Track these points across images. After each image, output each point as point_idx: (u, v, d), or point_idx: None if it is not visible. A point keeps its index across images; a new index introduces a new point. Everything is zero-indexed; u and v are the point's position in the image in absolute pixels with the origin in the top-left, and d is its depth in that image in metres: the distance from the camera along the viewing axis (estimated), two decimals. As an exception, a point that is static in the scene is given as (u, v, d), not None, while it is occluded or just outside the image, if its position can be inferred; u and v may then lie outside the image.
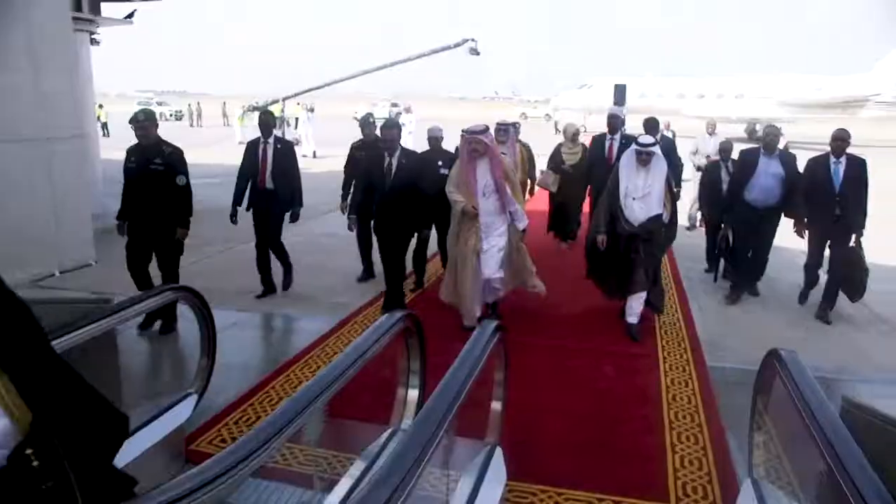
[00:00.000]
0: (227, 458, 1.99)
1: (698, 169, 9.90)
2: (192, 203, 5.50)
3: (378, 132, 6.22)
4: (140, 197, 5.31)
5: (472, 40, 26.87)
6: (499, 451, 3.06)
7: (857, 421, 2.28)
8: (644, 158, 5.20)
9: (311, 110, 25.57)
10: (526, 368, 4.48)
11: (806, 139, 33.94)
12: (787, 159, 6.36)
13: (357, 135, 7.36)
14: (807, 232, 6.19)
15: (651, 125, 8.19)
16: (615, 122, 7.32)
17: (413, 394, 3.28)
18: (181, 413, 3.63)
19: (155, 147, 5.32)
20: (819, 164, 6.11)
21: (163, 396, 3.70)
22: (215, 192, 13.60)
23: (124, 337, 5.02)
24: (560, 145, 8.64)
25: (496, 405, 3.15)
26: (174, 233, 5.40)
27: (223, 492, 1.95)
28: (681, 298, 6.61)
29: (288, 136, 24.80)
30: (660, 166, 5.25)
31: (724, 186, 7.06)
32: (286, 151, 6.34)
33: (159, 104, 47.72)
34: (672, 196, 5.41)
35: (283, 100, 26.63)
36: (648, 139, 5.34)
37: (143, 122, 5.25)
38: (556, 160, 8.46)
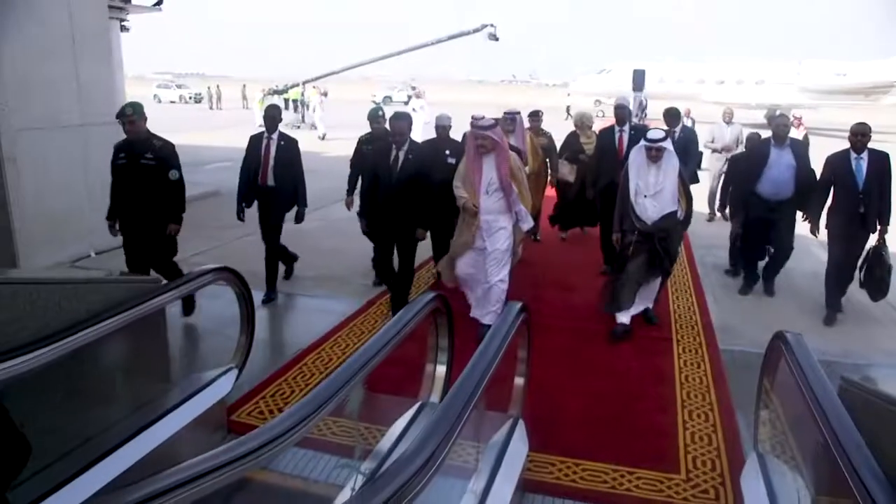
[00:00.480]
0: (277, 426, 2.21)
1: (718, 153, 10.01)
2: (185, 198, 5.36)
3: (387, 124, 5.86)
4: (132, 194, 5.14)
5: (492, 25, 26.98)
6: (521, 424, 3.30)
7: (854, 398, 2.47)
8: (654, 155, 4.97)
9: (325, 94, 25.75)
10: (547, 348, 4.71)
11: (827, 126, 33.80)
12: (799, 149, 6.23)
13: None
14: (823, 232, 5.93)
15: (672, 115, 8.07)
16: (622, 113, 6.95)
17: (441, 370, 3.52)
18: (223, 386, 3.90)
19: (145, 141, 5.14)
20: (840, 161, 5.76)
21: (205, 371, 3.95)
22: (227, 175, 13.92)
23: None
24: (572, 133, 8.44)
25: (519, 381, 3.38)
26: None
27: (266, 459, 2.19)
28: (695, 285, 6.78)
29: (307, 120, 25.19)
30: (671, 162, 5.01)
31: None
32: (290, 148, 6.05)
33: (178, 87, 48.05)
34: (687, 191, 5.21)
35: (303, 83, 26.94)
36: (658, 133, 5.06)
37: (132, 115, 5.02)
38: (571, 149, 8.26)
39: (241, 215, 6.20)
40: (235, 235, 8.20)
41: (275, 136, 5.98)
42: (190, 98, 45.88)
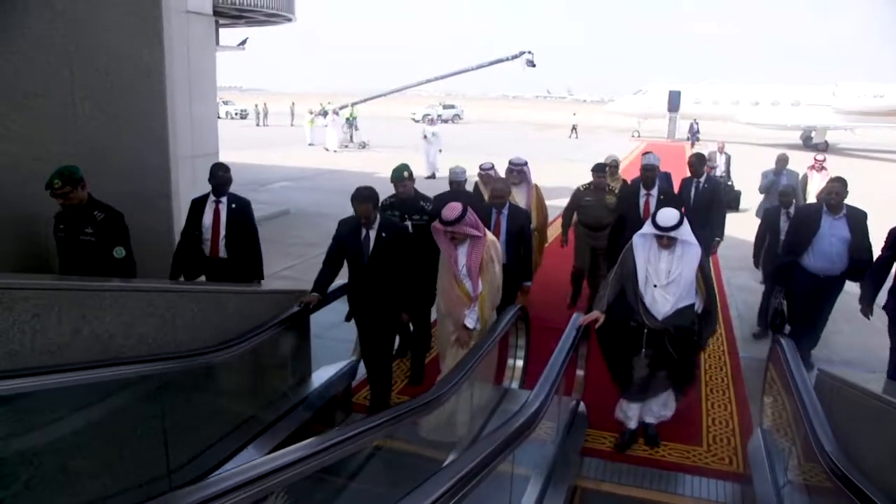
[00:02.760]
0: (408, 404, 3.21)
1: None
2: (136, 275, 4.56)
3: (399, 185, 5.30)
4: (74, 273, 4.38)
5: (529, 52, 28.25)
6: (582, 405, 4.39)
7: (825, 384, 3.50)
8: (665, 243, 4.00)
9: (336, 112, 27.93)
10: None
11: (861, 147, 34.15)
12: (856, 219, 5.38)
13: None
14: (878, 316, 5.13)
15: (697, 161, 6.86)
16: (651, 176, 6.01)
17: (519, 363, 4.65)
18: (348, 375, 5.04)
19: (84, 213, 4.31)
20: None
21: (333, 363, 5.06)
22: (294, 195, 15.26)
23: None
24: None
25: (580, 372, 4.48)
26: None
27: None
28: (722, 303, 7.75)
29: (355, 140, 26.54)
30: (691, 252, 4.01)
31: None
32: (242, 211, 5.24)
33: (225, 103, 49.92)
34: (707, 282, 4.15)
35: (353, 105, 28.41)
36: (669, 218, 3.94)
37: (60, 188, 4.15)
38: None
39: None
40: (314, 253, 9.40)
41: (224, 199, 5.15)
42: (236, 114, 47.52)
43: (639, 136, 38.42)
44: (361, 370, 5.09)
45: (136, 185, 5.15)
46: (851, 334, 6.56)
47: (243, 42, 13.54)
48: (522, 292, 5.35)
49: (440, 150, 19.72)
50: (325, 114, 28.39)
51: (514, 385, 4.63)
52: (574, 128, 39.61)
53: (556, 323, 4.89)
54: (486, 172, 6.71)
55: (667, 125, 38.49)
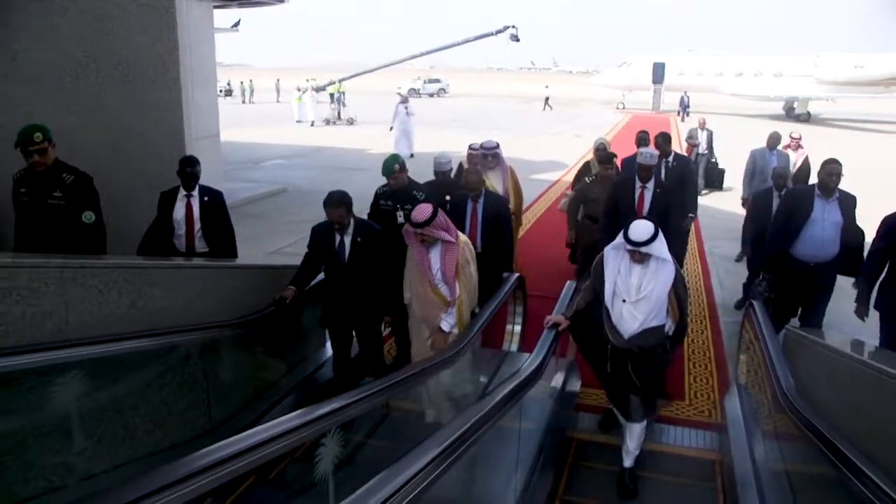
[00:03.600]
0: (419, 365, 3.67)
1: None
2: (105, 244, 4.41)
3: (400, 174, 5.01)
4: (37, 238, 4.10)
5: (513, 27, 28.41)
6: (575, 364, 4.84)
7: (790, 337, 4.00)
8: (638, 258, 3.67)
9: (316, 90, 28.43)
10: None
11: (843, 116, 34.75)
12: (848, 203, 5.08)
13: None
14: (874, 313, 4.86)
15: (664, 140, 6.82)
16: (647, 175, 5.65)
17: (517, 328, 5.08)
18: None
19: (52, 175, 4.10)
20: None
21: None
22: (288, 173, 15.51)
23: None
24: (588, 163, 7.54)
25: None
26: None
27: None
28: (704, 271, 8.25)
29: (344, 116, 26.75)
30: (665, 269, 3.68)
31: None
32: (216, 204, 5.01)
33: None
34: (681, 304, 3.80)
35: (339, 81, 28.51)
36: (643, 232, 3.59)
37: (42, 142, 3.98)
38: (581, 181, 7.21)
39: None
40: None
41: (195, 193, 4.90)
42: (220, 91, 46.84)
43: (624, 108, 38.80)
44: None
45: (154, 172, 5.44)
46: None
47: (236, 24, 13.73)
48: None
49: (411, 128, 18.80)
50: (316, 89, 28.50)
51: (514, 348, 5.07)
52: (547, 100, 39.92)
53: (550, 292, 5.30)
54: (490, 151, 6.43)
55: (651, 97, 38.88)
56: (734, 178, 11.17)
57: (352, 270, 4.38)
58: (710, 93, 37.38)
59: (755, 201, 6.65)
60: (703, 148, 12.30)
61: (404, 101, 18.61)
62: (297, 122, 27.61)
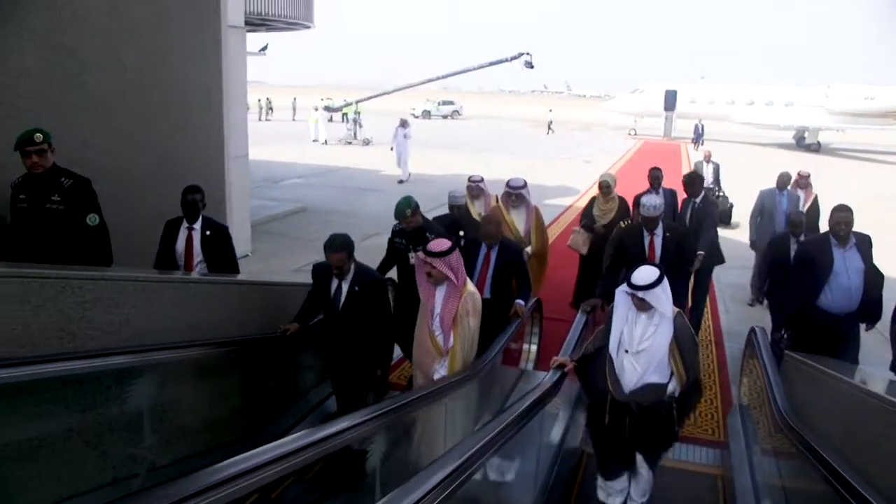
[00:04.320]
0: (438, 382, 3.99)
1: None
2: (111, 246, 4.35)
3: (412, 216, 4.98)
4: (36, 245, 4.02)
5: (528, 54, 28.95)
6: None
7: (789, 363, 4.32)
8: (638, 304, 3.54)
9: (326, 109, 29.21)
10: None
11: (853, 147, 35.02)
12: (865, 245, 4.94)
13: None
14: None
15: (693, 182, 6.69)
16: (652, 226, 5.30)
17: (534, 348, 5.42)
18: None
19: (50, 179, 4.05)
20: None
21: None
22: (306, 192, 15.90)
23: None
24: (594, 198, 7.31)
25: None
26: None
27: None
28: (711, 297, 8.51)
29: (360, 136, 27.28)
30: (665, 325, 3.54)
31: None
32: (218, 239, 4.90)
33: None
34: (686, 360, 3.61)
35: (356, 102, 29.08)
36: (647, 276, 3.48)
37: (42, 143, 3.95)
38: (589, 216, 7.18)
39: None
40: None
41: (197, 225, 4.81)
42: (242, 109, 47.47)
43: (635, 134, 39.23)
44: (397, 351, 5.60)
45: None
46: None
47: (264, 48, 14.20)
48: (517, 313, 4.94)
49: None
50: (329, 110, 29.14)
51: (530, 367, 5.40)
52: (550, 124, 40.43)
53: (561, 315, 5.64)
54: (475, 184, 6.45)
55: (663, 124, 39.30)
56: (743, 215, 10.62)
57: (346, 318, 4.27)
58: (721, 121, 37.75)
59: (771, 247, 6.35)
60: (708, 182, 11.59)
61: (403, 124, 18.76)
62: (314, 140, 28.14)
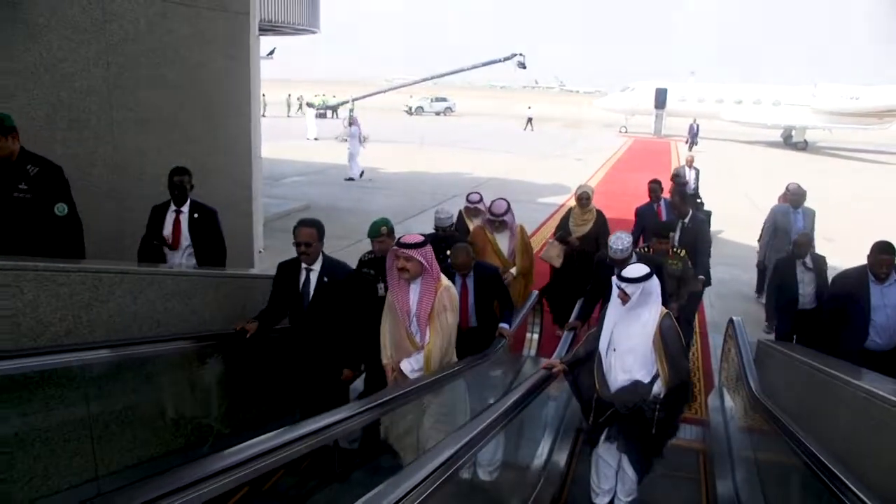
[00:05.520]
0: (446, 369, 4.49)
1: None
2: (83, 238, 4.14)
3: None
4: (4, 238, 3.77)
5: (520, 55, 29.59)
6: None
7: (762, 348, 4.92)
8: (623, 297, 3.60)
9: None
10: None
11: (839, 145, 35.78)
12: None
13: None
14: None
15: (683, 196, 6.51)
16: (619, 260, 4.69)
17: (535, 337, 6.00)
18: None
19: (16, 167, 3.80)
20: None
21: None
22: (308, 189, 16.25)
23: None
24: (571, 210, 7.11)
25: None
26: None
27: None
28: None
29: (355, 133, 27.71)
30: (648, 312, 3.62)
31: (803, 290, 5.79)
32: (206, 222, 4.84)
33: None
34: (671, 357, 3.62)
35: (353, 100, 29.53)
36: (636, 270, 3.61)
37: (12, 126, 3.73)
38: (564, 228, 6.99)
39: None
40: (343, 245, 10.38)
41: (185, 208, 4.77)
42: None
43: (626, 132, 39.88)
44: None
45: (227, 194, 6.37)
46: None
47: (271, 52, 14.61)
48: (501, 335, 4.89)
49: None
50: (328, 108, 29.50)
51: (532, 353, 5.99)
52: (529, 120, 40.99)
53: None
54: (473, 206, 6.39)
55: (653, 122, 39.95)
56: (721, 221, 10.71)
57: (315, 313, 4.07)
58: (710, 119, 38.42)
59: (777, 270, 6.15)
60: (690, 187, 10.88)
61: (353, 122, 19.31)
62: (307, 139, 28.35)
